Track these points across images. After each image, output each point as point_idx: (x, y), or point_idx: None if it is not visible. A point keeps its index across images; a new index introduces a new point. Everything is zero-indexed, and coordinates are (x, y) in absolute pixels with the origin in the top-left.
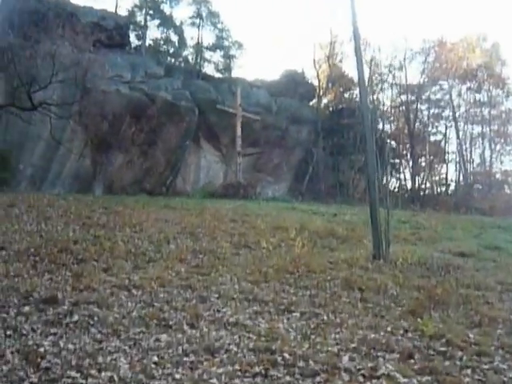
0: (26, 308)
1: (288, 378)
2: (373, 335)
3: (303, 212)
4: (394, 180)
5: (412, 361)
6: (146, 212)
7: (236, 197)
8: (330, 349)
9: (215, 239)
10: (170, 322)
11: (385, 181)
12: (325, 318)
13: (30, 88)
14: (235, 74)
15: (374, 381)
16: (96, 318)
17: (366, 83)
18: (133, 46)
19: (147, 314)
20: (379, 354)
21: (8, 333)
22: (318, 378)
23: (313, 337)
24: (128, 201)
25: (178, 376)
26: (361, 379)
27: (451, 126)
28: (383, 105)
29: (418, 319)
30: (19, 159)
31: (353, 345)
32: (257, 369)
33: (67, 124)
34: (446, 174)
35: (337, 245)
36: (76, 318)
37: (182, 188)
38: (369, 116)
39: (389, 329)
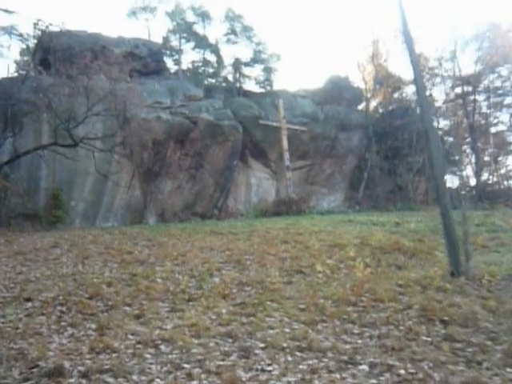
0: None
1: None
2: None
3: (362, 224)
4: (455, 178)
5: None
6: (190, 241)
7: (288, 213)
8: None
9: (264, 266)
10: None
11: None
12: (401, 371)
13: (68, 125)
14: (277, 86)
15: None
16: None
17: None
18: (171, 71)
19: None
20: None
21: None
22: None
23: None
24: (175, 229)
25: None
26: None
27: None
28: (436, 100)
29: None
30: (70, 196)
31: None
32: None
33: (111, 157)
34: None
35: (404, 261)
36: None
37: (234, 208)
38: (430, 112)
39: None
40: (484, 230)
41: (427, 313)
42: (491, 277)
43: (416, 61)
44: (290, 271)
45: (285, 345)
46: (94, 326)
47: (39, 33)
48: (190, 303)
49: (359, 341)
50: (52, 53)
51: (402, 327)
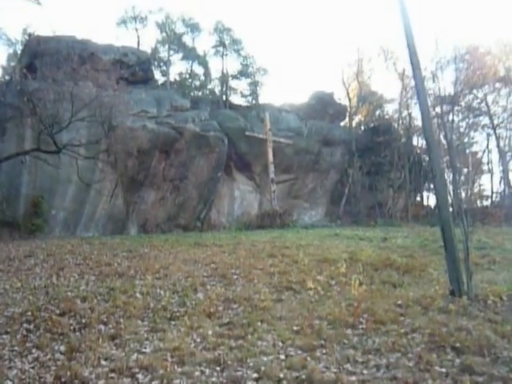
0: None
1: None
2: None
3: (348, 238)
4: (431, 196)
5: None
6: (173, 252)
7: (272, 226)
8: None
9: (252, 281)
10: None
11: (454, 194)
12: None
13: (52, 130)
14: (262, 100)
15: None
16: None
17: (398, 97)
18: (159, 82)
19: None
20: None
21: None
22: None
23: None
24: (157, 240)
25: None
26: None
27: (491, 135)
28: (416, 119)
29: None
30: (51, 204)
31: None
32: None
33: (95, 164)
34: (492, 185)
35: (398, 278)
36: None
37: (217, 220)
38: (432, 123)
39: None
40: (472, 247)
41: (435, 338)
42: (495, 297)
43: (419, 70)
44: (280, 287)
45: (281, 375)
46: (62, 347)
47: (27, 37)
48: (172, 322)
49: (365, 371)
50: (39, 57)
51: (410, 355)
